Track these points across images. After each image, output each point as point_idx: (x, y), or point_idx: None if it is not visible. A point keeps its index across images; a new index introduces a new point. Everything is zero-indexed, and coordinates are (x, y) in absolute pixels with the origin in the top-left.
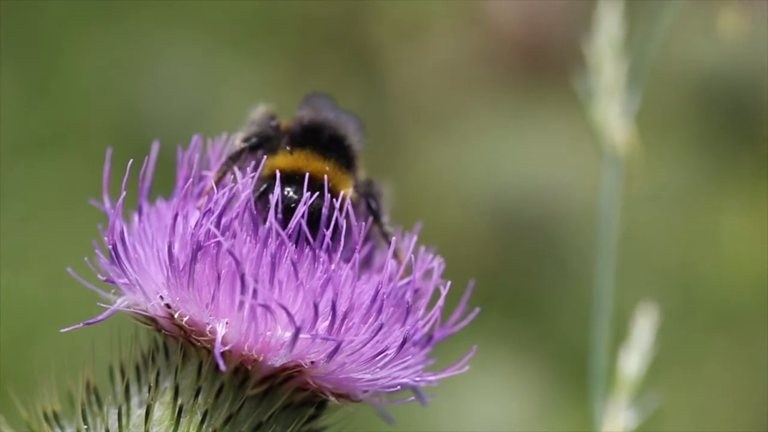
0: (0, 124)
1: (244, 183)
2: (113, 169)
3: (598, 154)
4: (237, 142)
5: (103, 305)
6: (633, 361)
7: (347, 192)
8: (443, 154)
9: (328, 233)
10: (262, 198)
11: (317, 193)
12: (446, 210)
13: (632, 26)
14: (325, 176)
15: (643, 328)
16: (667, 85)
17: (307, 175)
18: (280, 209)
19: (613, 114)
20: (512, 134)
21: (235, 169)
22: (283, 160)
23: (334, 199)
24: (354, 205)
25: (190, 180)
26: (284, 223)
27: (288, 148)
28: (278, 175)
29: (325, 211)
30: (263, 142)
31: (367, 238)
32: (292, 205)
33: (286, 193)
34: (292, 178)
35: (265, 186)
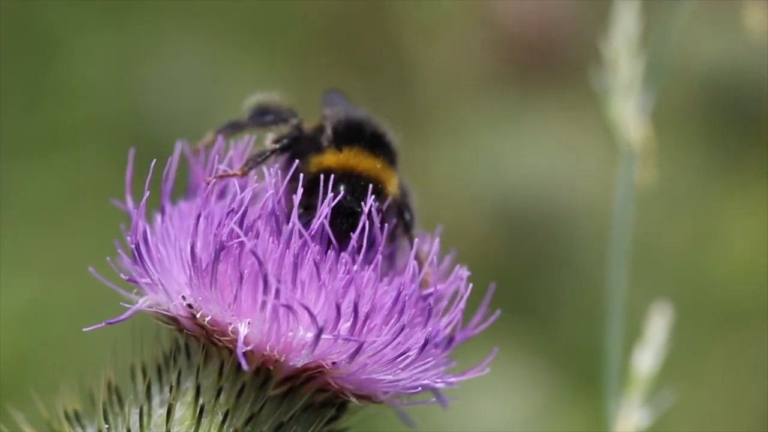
0: (1, 124)
1: (268, 182)
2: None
3: (613, 150)
4: (267, 142)
5: (126, 305)
6: (647, 359)
7: (394, 190)
8: (449, 151)
9: (355, 236)
10: (312, 195)
11: (372, 196)
12: (451, 207)
13: (647, 23)
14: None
15: (658, 326)
16: (673, 84)
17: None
18: (326, 212)
19: (628, 111)
20: (518, 132)
21: (264, 168)
22: (333, 158)
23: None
24: (392, 205)
25: (213, 181)
26: (335, 223)
27: (334, 145)
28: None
29: (365, 209)
30: (293, 144)
31: (390, 240)
32: (349, 208)
33: (341, 194)
34: (344, 177)
35: (313, 185)
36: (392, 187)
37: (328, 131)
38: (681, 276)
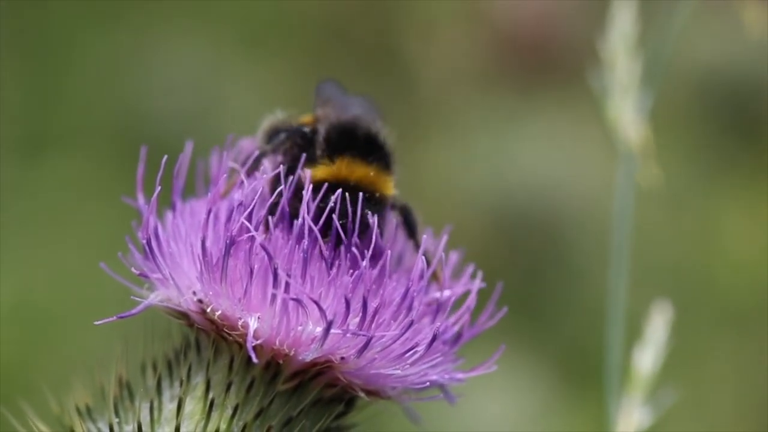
0: (4, 124)
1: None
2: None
3: (612, 151)
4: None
5: (138, 299)
6: (647, 358)
7: (391, 192)
8: (448, 151)
9: (356, 230)
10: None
11: (364, 202)
12: (450, 208)
13: (645, 24)
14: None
15: (658, 325)
16: (672, 84)
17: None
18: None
19: (627, 110)
20: (517, 132)
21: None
22: (327, 171)
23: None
24: (392, 204)
25: (224, 177)
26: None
27: (327, 155)
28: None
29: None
30: (289, 143)
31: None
32: (341, 220)
33: (332, 205)
34: (337, 188)
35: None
36: (388, 191)
37: (321, 139)
38: (681, 276)
